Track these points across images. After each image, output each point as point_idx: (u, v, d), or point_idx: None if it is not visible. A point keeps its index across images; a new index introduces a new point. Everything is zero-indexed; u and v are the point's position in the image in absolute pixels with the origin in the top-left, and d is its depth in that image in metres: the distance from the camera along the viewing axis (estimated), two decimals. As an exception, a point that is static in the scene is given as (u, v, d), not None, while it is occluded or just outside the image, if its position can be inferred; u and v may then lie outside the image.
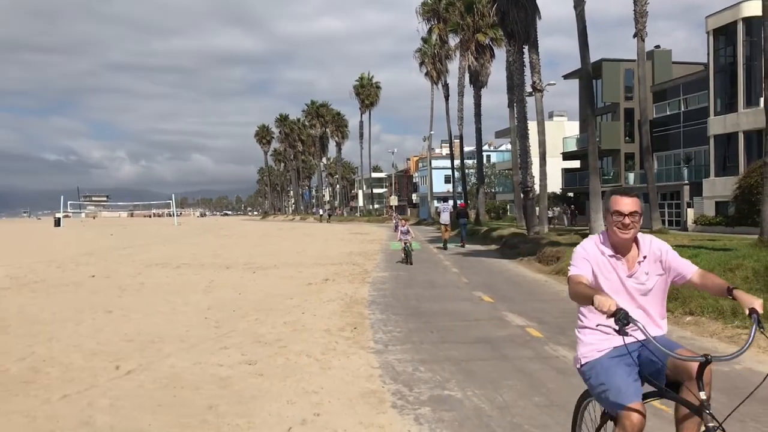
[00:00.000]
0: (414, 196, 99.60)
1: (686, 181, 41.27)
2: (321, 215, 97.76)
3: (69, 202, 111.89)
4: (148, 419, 5.67)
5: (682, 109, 43.85)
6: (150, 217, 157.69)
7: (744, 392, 6.24)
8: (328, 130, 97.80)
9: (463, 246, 28.22)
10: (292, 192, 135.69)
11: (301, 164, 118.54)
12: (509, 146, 51.72)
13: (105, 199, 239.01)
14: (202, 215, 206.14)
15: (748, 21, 34.10)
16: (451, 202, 32.46)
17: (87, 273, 18.60)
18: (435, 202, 63.64)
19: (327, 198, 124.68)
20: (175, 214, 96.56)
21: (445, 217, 28.30)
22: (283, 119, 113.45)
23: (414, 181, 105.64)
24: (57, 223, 77.48)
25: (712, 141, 37.97)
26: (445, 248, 26.62)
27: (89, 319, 10.81)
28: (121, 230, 60.00)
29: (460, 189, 56.85)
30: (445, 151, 77.11)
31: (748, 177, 28.80)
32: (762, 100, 13.21)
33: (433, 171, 71.42)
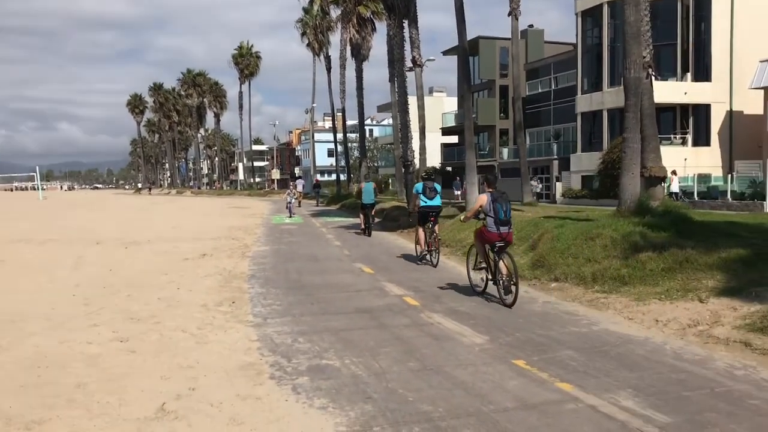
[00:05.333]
0: (297, 170, 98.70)
1: (555, 156, 43.52)
2: (140, 188, 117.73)
3: None
4: (10, 401, 5.37)
5: (553, 87, 46.03)
6: (12, 191, 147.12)
7: (601, 351, 6.76)
8: (205, 100, 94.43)
9: (317, 204, 44.31)
10: (167, 165, 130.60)
11: (177, 136, 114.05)
12: (391, 120, 52.29)
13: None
14: (71, 189, 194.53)
15: (613, 4, 36.13)
16: (301, 180, 46.79)
17: (-62, 251, 17.14)
18: (318, 175, 63.46)
19: (205, 171, 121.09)
20: (39, 188, 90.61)
21: (299, 188, 41.68)
22: (157, 88, 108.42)
23: (297, 154, 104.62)
24: None
25: (579, 118, 40.18)
26: (299, 205, 36.97)
27: (-59, 300, 10.01)
28: (-22, 205, 55.61)
29: (343, 162, 56.93)
30: (328, 124, 76.89)
31: (611, 152, 30.78)
32: (623, 79, 14.15)
33: (316, 144, 70.98)
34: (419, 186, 14.62)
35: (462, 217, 11.39)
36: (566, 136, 44.51)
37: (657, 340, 7.22)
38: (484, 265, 10.00)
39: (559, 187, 38.62)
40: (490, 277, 9.85)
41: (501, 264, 9.48)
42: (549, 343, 7.15)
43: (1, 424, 4.89)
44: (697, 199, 28.88)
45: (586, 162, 37.88)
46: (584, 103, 39.53)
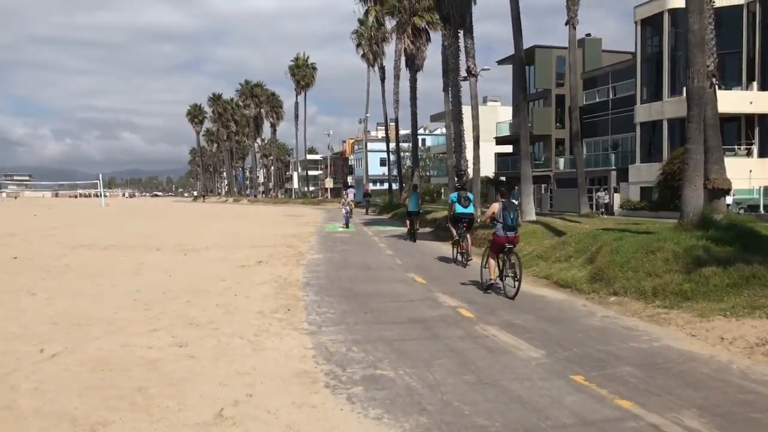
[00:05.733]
0: (350, 179, 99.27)
1: (613, 167, 42.62)
2: (195, 196, 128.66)
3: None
4: (75, 402, 5.53)
5: (611, 96, 45.17)
6: (76, 197, 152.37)
7: (662, 368, 6.57)
8: (262, 110, 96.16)
9: (366, 213, 46.19)
10: (225, 173, 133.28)
11: (234, 145, 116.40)
12: (444, 130, 52.17)
13: (28, 178, 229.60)
14: (131, 196, 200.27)
15: (674, 12, 35.33)
16: (353, 189, 43.84)
17: (9, 254, 17.85)
18: (369, 184, 63.79)
19: (261, 180, 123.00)
20: (102, 195, 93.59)
21: (351, 197, 38.53)
22: (216, 99, 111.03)
23: (350, 163, 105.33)
24: (-25, 202, 74.05)
25: (638, 128, 39.31)
26: (350, 215, 33.90)
27: (11, 302, 10.41)
28: (46, 211, 57.75)
29: (395, 172, 57.04)
30: (381, 134, 77.19)
31: (671, 163, 29.96)
32: (685, 89, 13.81)
33: (369, 154, 71.34)
34: (454, 196, 16.49)
35: (479, 220, 13.84)
36: (624, 146, 43.58)
37: (722, 359, 6.97)
38: (492, 280, 11.53)
39: (617, 199, 37.80)
40: (497, 275, 11.36)
41: (509, 263, 11.00)
42: (608, 359, 6.98)
43: (67, 425, 5.04)
44: (763, 212, 27.84)
45: (645, 173, 36.98)
46: (643, 112, 38.67)
